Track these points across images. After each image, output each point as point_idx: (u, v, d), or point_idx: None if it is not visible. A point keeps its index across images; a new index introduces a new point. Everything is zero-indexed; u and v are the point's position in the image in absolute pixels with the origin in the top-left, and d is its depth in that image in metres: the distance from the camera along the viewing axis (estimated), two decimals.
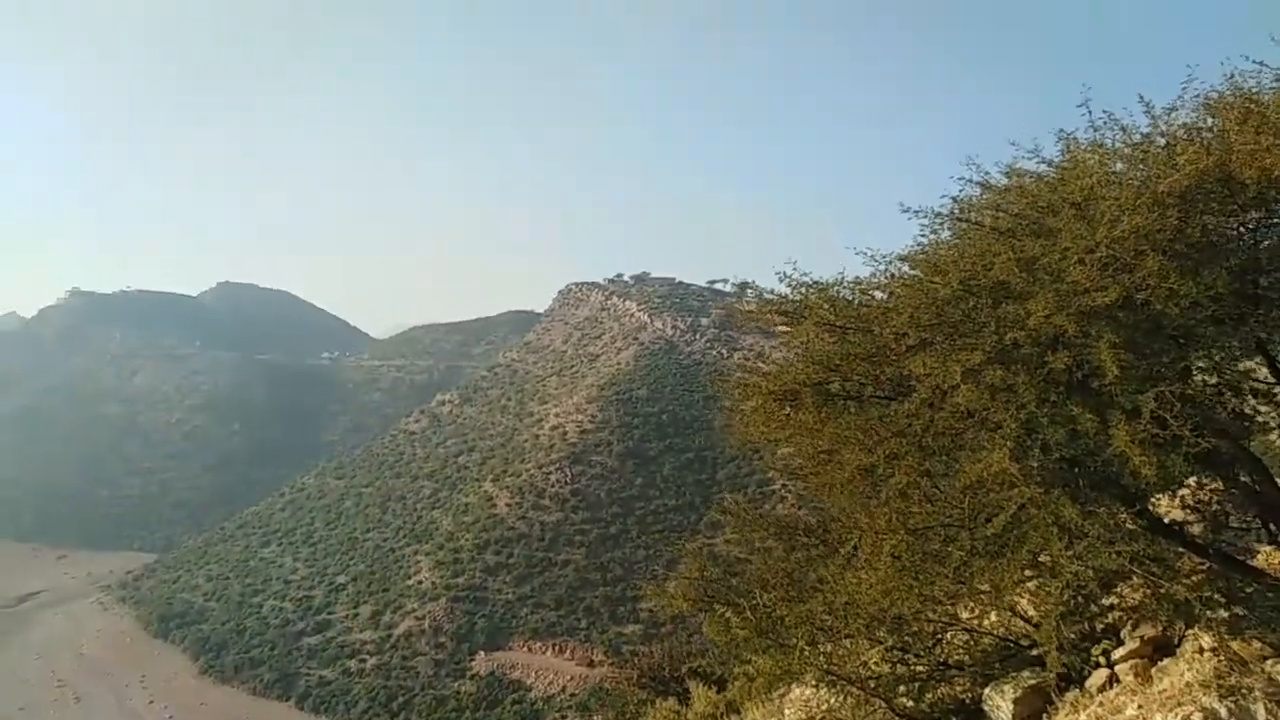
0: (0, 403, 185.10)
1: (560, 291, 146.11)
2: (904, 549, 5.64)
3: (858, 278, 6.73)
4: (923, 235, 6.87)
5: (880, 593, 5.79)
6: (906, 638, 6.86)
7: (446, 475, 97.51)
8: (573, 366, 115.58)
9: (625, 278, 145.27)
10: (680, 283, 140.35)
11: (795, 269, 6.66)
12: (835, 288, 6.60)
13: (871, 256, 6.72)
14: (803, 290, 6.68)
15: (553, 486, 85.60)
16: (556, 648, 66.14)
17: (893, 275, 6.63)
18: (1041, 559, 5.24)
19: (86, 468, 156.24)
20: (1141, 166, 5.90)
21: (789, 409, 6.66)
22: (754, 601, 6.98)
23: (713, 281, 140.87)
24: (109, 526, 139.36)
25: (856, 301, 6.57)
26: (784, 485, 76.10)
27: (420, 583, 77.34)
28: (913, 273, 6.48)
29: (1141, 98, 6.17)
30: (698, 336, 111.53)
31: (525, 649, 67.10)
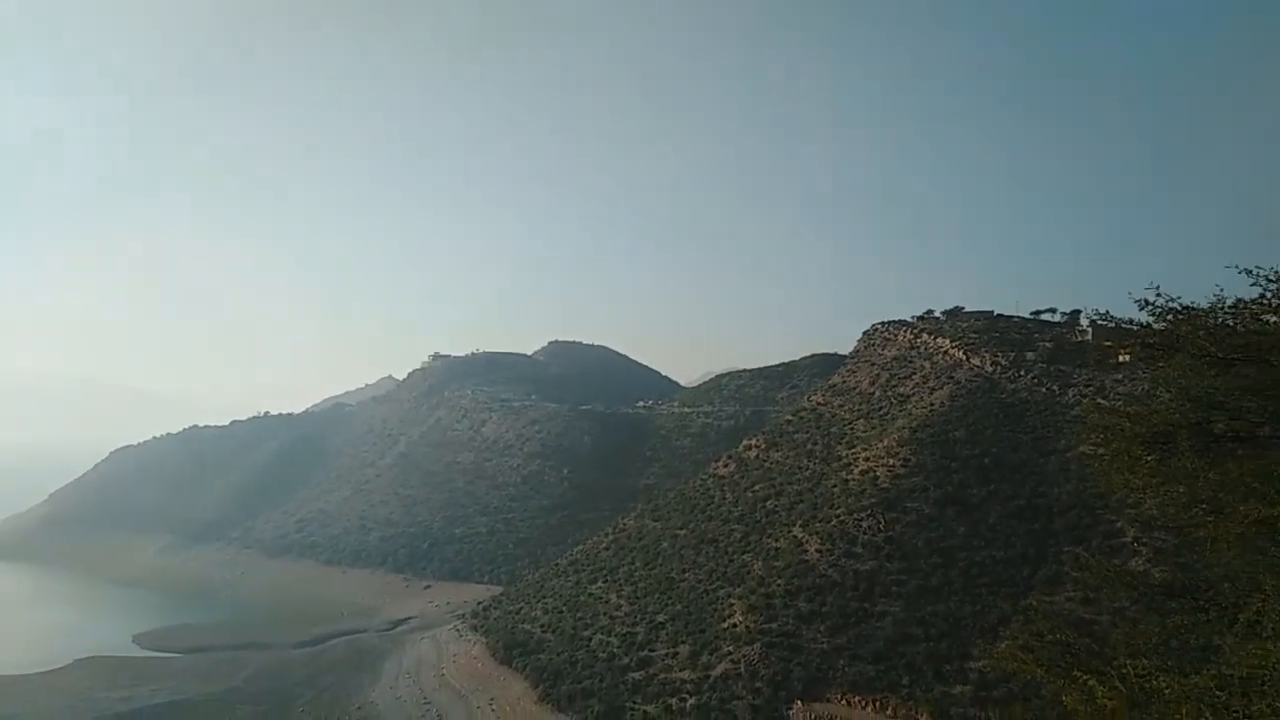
0: (382, 453, 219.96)
1: (865, 332, 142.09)
2: None
3: (1241, 300, 5.73)
4: None
5: None
6: None
7: (756, 519, 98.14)
8: (881, 408, 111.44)
9: (936, 314, 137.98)
10: (999, 315, 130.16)
11: (1159, 294, 5.89)
12: (1213, 314, 5.68)
13: (1259, 276, 5.69)
14: (1169, 318, 5.85)
15: (865, 534, 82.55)
16: (877, 704, 62.91)
17: None
18: None
19: (445, 508, 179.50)
20: None
21: (1158, 454, 5.83)
22: (1122, 670, 6.14)
23: (1037, 312, 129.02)
24: (463, 561, 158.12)
25: (1243, 328, 5.60)
26: (1138, 538, 66.65)
27: (734, 625, 78.02)
28: None
29: None
30: (1023, 373, 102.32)
31: (844, 702, 64.66)
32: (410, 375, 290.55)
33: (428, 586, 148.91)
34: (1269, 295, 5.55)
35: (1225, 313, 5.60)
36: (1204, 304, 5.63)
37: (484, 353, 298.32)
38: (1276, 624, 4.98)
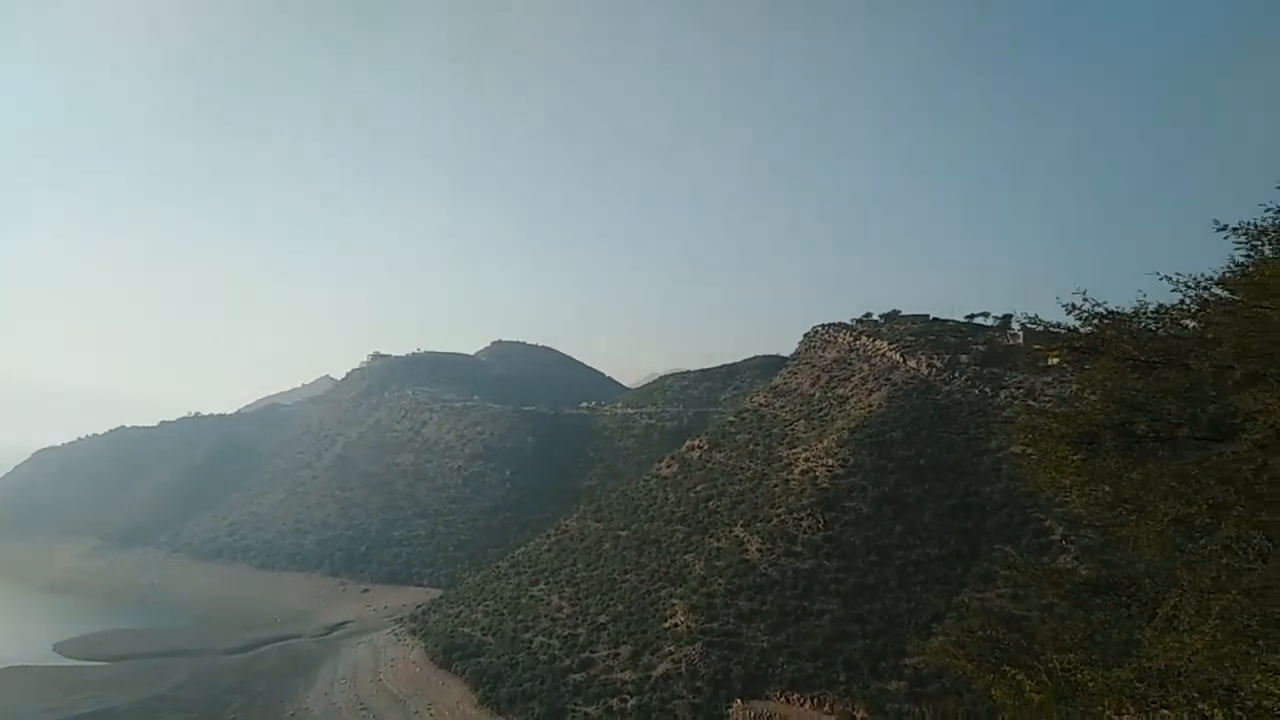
0: (319, 455, 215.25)
1: (806, 334, 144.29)
2: (1238, 611, 4.87)
3: (1162, 306, 5.98)
4: (1243, 254, 5.95)
5: (1208, 660, 5.03)
6: (1239, 713, 5.86)
7: (698, 519, 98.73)
8: (821, 409, 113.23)
9: (874, 317, 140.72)
10: (935, 319, 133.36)
11: (1086, 299, 6.08)
12: (1137, 318, 5.91)
13: (1179, 282, 5.92)
14: (1096, 322, 6.05)
15: (804, 533, 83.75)
16: (815, 700, 63.86)
17: (1207, 301, 5.82)
18: None
19: (384, 510, 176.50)
20: None
21: (1084, 454, 6.03)
22: (1049, 664, 6.34)
23: (972, 316, 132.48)
24: (402, 564, 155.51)
25: (1164, 333, 5.83)
26: (1066, 536, 68.96)
27: (676, 625, 78.38)
28: (1233, 297, 5.64)
29: None
30: (957, 375, 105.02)
31: (783, 699, 65.47)
32: (349, 375, 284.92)
33: (365, 590, 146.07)
34: (1188, 301, 5.80)
35: (1148, 317, 5.84)
36: (1129, 308, 5.90)
37: (425, 352, 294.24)
38: (1191, 618, 5.18)
